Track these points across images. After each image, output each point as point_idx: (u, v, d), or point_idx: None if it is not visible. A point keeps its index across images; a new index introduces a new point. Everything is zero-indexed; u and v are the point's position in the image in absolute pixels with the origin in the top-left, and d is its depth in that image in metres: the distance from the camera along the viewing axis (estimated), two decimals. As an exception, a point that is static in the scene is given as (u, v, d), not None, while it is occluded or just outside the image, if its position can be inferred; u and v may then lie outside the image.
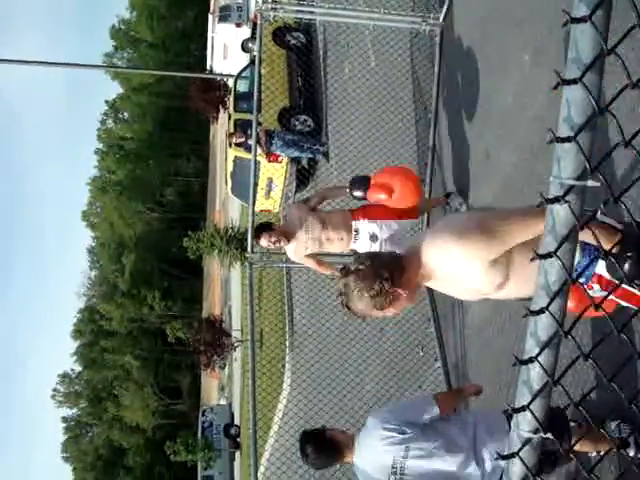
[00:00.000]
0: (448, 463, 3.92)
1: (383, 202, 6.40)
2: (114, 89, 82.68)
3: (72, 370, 78.64)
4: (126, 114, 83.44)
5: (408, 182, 6.38)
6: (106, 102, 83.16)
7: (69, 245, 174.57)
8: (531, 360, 1.29)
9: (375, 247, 6.53)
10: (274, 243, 6.48)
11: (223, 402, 40.95)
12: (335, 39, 12.82)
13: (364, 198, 6.50)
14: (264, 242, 6.52)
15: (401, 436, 3.90)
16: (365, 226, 6.59)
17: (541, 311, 1.28)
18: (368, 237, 6.59)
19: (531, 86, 6.12)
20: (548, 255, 1.25)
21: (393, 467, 3.91)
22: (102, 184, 79.65)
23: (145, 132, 76.80)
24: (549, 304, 1.27)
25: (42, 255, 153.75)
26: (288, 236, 6.51)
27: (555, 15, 5.57)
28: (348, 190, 6.59)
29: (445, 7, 8.12)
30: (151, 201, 74.04)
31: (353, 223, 6.61)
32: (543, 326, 1.29)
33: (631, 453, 4.46)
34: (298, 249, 6.59)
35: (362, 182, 6.47)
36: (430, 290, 8.21)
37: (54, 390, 78.25)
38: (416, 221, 7.36)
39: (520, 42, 6.42)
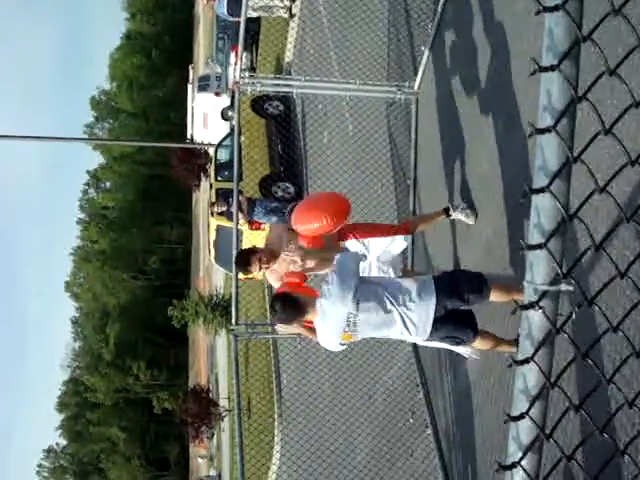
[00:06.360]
0: (387, 316, 4.98)
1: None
2: (95, 159, 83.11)
3: (57, 444, 77.19)
4: (108, 183, 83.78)
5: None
6: (87, 172, 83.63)
7: (52, 317, 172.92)
8: (514, 465, 1.29)
9: (365, 267, 6.34)
10: (266, 263, 6.24)
11: (212, 473, 40.39)
12: (313, 108, 13.01)
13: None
14: (255, 267, 6.27)
15: (353, 300, 4.87)
16: (353, 245, 6.42)
17: (521, 416, 1.28)
18: None
19: (506, 152, 6.23)
20: (526, 361, 1.26)
21: (348, 319, 4.89)
22: (85, 254, 79.46)
23: (127, 201, 77.06)
24: (529, 409, 1.28)
25: (25, 328, 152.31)
26: (274, 255, 6.30)
27: (529, 83, 5.71)
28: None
29: (419, 75, 8.29)
30: (135, 269, 73.82)
31: (341, 242, 6.41)
32: (524, 430, 1.29)
33: None
34: (280, 267, 6.33)
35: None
36: (417, 355, 8.17)
37: (39, 466, 76.69)
38: (408, 239, 6.94)
39: (494, 108, 6.56)
